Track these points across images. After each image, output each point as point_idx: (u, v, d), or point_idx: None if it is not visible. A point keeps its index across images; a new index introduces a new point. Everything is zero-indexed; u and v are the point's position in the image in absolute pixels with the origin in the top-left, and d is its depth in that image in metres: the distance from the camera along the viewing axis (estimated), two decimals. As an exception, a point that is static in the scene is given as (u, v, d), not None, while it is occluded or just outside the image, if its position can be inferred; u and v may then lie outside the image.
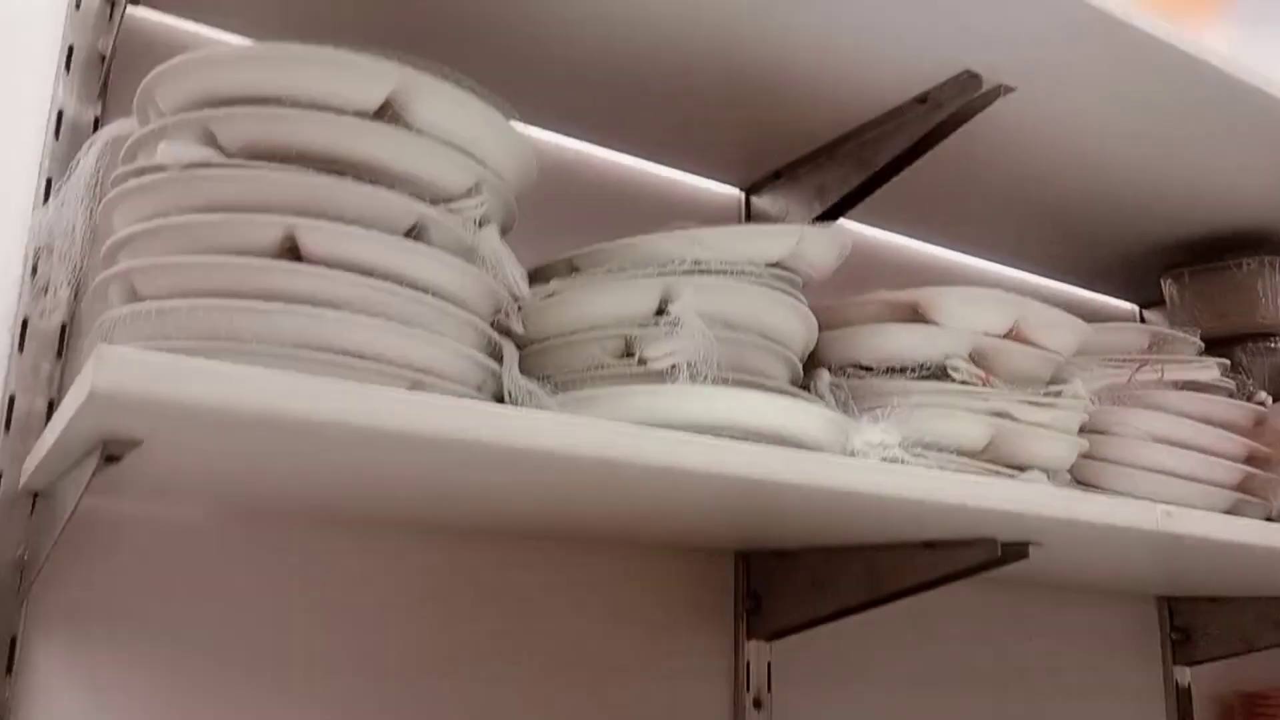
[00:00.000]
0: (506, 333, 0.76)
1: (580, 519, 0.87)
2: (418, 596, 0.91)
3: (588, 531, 0.96)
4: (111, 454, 0.54)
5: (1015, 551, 0.86)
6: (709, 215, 1.18)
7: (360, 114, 0.66)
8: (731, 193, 1.20)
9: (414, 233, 0.69)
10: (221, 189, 0.63)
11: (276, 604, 0.85)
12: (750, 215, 1.18)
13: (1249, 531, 0.87)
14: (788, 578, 1.05)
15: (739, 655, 1.07)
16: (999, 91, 0.96)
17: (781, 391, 0.83)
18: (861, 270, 1.18)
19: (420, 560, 0.92)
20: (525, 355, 0.80)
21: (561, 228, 1.06)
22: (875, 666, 1.18)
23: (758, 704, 1.06)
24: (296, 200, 0.64)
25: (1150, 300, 1.53)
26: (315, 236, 0.63)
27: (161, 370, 0.42)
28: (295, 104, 0.64)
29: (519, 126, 0.79)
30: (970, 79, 0.95)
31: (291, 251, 0.64)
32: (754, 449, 0.64)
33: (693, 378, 0.75)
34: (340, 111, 0.65)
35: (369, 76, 0.65)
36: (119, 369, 0.41)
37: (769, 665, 1.08)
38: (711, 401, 0.75)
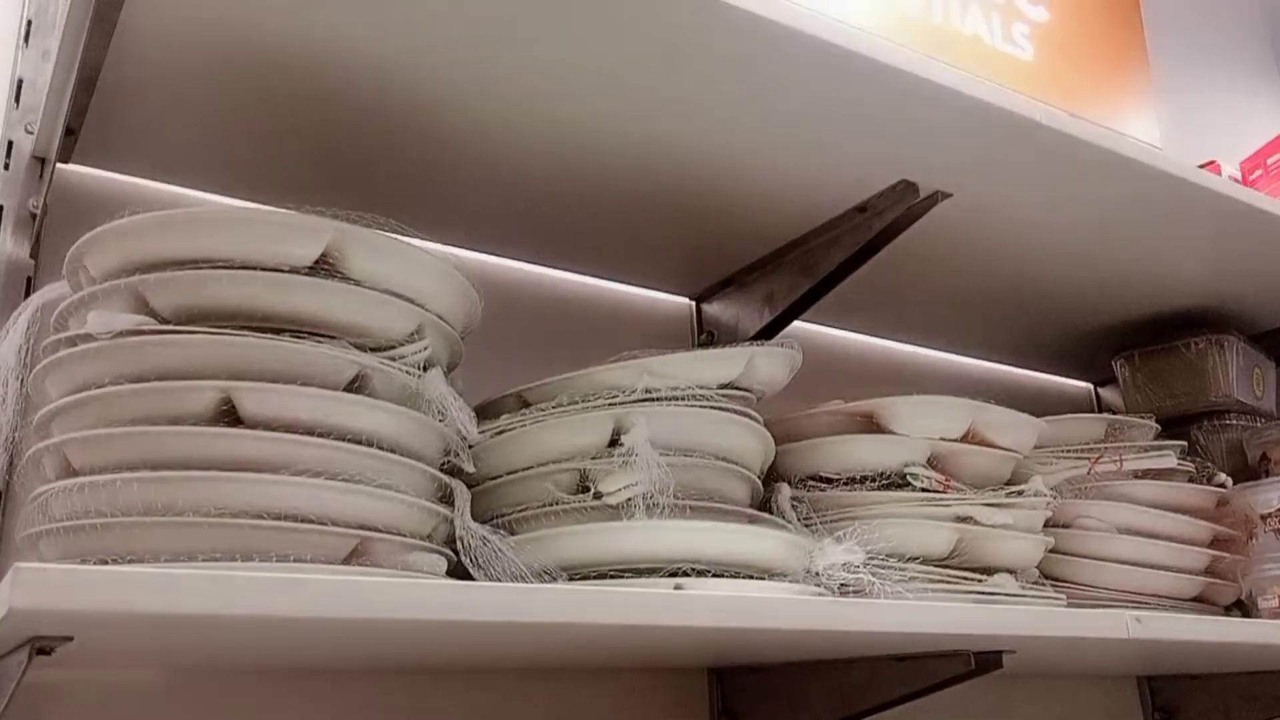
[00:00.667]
0: (457, 473, 0.75)
1: (543, 655, 0.85)
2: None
3: (552, 662, 0.93)
4: (42, 649, 0.51)
5: (989, 662, 0.84)
6: (661, 326, 1.18)
7: (295, 270, 0.65)
8: (682, 302, 1.20)
9: (356, 384, 0.67)
10: (154, 356, 0.62)
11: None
12: (701, 324, 1.18)
13: (1220, 631, 0.86)
14: (762, 694, 1.03)
15: (717, 776, 1.04)
16: (936, 198, 0.97)
17: (742, 516, 0.82)
18: (817, 370, 1.19)
19: (382, 701, 0.89)
20: (478, 493, 0.79)
21: (518, 350, 1.05)
22: (858, 776, 1.15)
23: (739, 827, 1.03)
24: (232, 362, 0.62)
25: (1105, 379, 1.54)
26: (253, 398, 0.62)
27: (80, 584, 0.40)
28: (229, 265, 0.64)
29: (461, 260, 0.79)
30: (907, 187, 0.96)
31: (229, 415, 0.62)
32: (718, 600, 0.63)
33: (649, 510, 0.74)
34: (275, 269, 0.64)
35: (302, 233, 0.65)
36: (37, 587, 0.39)
37: (749, 785, 1.04)
38: (670, 535, 0.73)
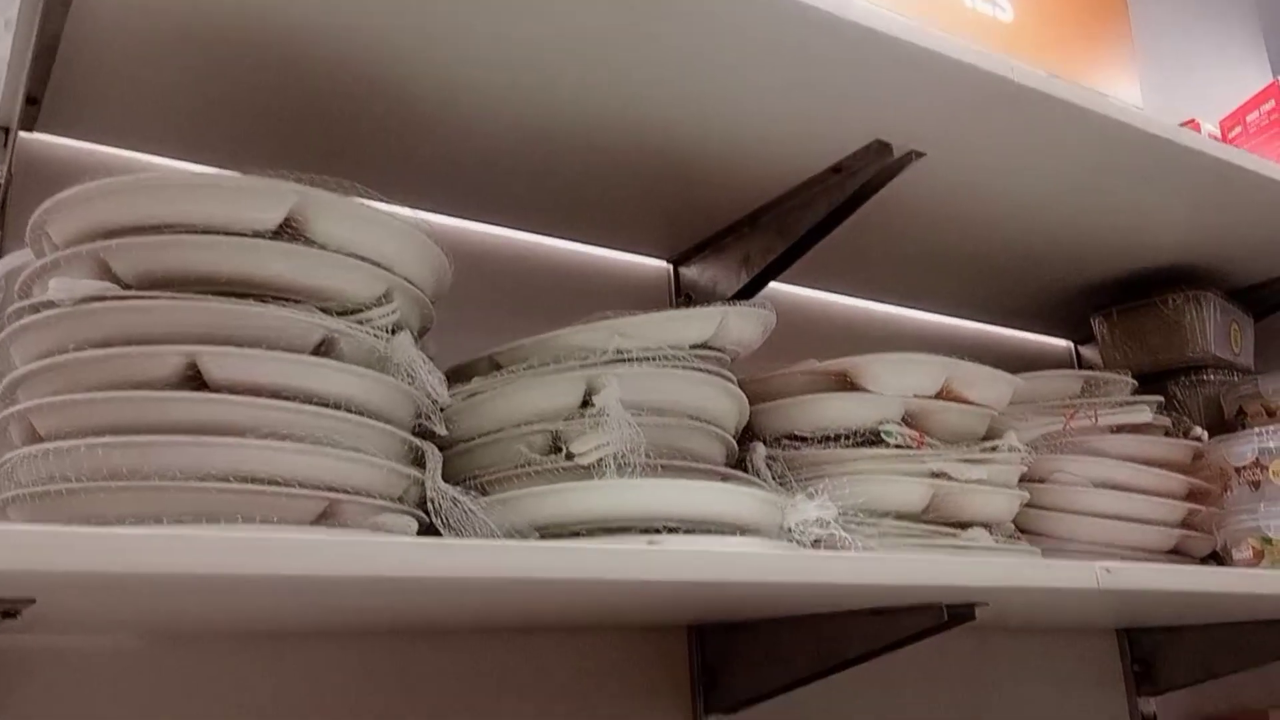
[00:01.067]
0: (429, 435, 0.75)
1: (520, 614, 0.86)
2: (360, 698, 0.89)
3: (529, 621, 0.94)
4: (6, 611, 0.52)
5: (961, 614, 0.85)
6: (639, 289, 1.18)
7: (259, 235, 0.65)
8: (660, 265, 1.20)
9: (323, 348, 0.67)
10: (117, 321, 0.62)
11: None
12: (679, 287, 1.18)
13: (1189, 579, 0.87)
14: (741, 650, 1.04)
15: (699, 732, 1.05)
16: (910, 158, 0.97)
17: (714, 474, 0.82)
18: (795, 331, 1.19)
19: (355, 663, 0.89)
20: (450, 456, 0.79)
21: (498, 315, 1.05)
22: (840, 729, 1.17)
23: (722, 780, 1.04)
24: (197, 327, 0.62)
25: (1086, 337, 1.54)
26: (218, 362, 0.62)
27: (40, 544, 0.40)
28: (191, 230, 0.63)
29: (438, 225, 0.78)
30: (881, 147, 0.96)
31: (194, 380, 0.62)
32: (689, 555, 0.63)
33: (621, 469, 0.75)
34: (239, 234, 0.64)
35: (265, 197, 0.64)
36: (-8, 547, 0.40)
37: (730, 739, 1.05)
38: (643, 494, 0.74)
